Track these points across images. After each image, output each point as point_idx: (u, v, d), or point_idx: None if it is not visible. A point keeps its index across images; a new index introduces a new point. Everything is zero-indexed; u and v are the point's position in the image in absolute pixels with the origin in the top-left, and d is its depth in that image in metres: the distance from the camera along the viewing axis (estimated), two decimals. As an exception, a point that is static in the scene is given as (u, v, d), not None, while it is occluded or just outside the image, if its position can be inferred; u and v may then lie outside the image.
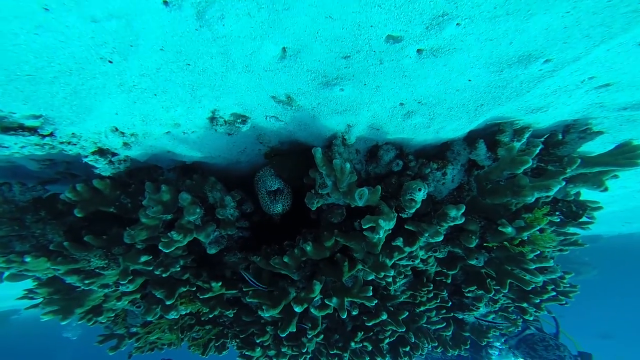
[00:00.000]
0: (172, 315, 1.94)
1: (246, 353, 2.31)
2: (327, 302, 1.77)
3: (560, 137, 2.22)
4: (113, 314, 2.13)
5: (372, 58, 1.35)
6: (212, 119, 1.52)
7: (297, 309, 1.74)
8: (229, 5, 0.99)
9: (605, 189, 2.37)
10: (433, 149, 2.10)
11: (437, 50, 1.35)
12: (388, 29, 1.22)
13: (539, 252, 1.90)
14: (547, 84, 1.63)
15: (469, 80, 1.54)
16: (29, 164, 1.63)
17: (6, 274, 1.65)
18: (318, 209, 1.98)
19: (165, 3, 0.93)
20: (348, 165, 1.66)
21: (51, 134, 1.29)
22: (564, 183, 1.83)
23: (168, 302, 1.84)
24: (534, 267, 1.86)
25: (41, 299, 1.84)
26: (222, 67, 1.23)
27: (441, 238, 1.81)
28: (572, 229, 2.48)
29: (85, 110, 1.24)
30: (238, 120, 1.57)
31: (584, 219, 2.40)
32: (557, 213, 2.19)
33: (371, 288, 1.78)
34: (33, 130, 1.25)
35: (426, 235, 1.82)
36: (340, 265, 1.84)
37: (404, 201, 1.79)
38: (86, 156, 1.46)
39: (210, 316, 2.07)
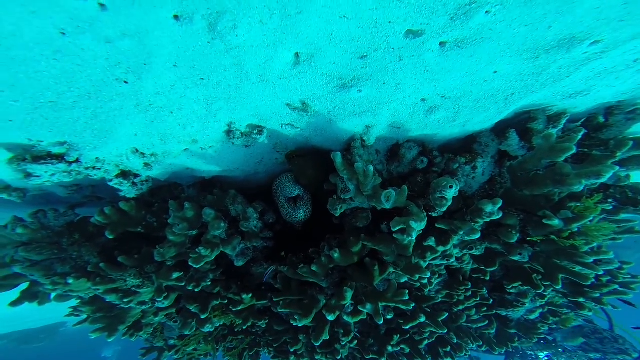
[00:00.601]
0: (208, 328, 1.93)
1: (281, 362, 2.26)
2: (360, 309, 1.67)
3: (602, 120, 2.00)
4: (152, 329, 2.15)
5: (391, 55, 1.25)
6: (229, 132, 1.48)
7: (330, 317, 1.66)
8: (240, 15, 0.93)
9: None
10: (458, 142, 1.96)
11: (463, 42, 1.23)
12: (408, 24, 1.12)
13: (595, 244, 1.69)
14: (591, 66, 1.47)
15: (496, 72, 1.40)
16: (59, 191, 1.67)
17: (53, 295, 1.70)
18: (341, 214, 1.89)
19: (176, 18, 0.89)
20: (371, 167, 1.56)
21: (77, 160, 1.30)
22: (617, 168, 1.62)
23: (203, 316, 1.82)
24: (591, 260, 1.65)
25: (85, 316, 1.88)
26: (236, 79, 1.18)
27: (478, 235, 1.67)
28: (624, 215, 2.21)
29: (106, 134, 1.23)
30: (254, 131, 1.52)
31: None
32: (609, 200, 1.96)
33: (407, 291, 1.66)
34: (60, 158, 1.26)
35: (460, 233, 1.69)
36: (371, 270, 1.74)
37: (434, 200, 1.66)
38: (110, 180, 1.47)
39: (244, 327, 2.03)
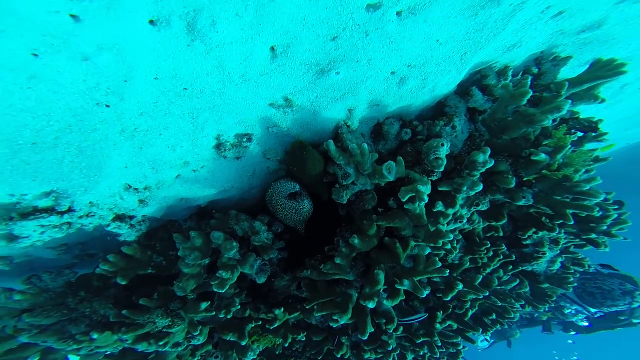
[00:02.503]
0: (250, 356, 1.70)
1: (329, 375, 2.00)
2: (397, 287, 1.52)
3: (536, 69, 2.18)
4: None
5: (358, 32, 1.24)
6: (219, 145, 1.37)
7: (370, 305, 1.49)
8: (217, 9, 0.88)
9: (602, 100, 2.26)
10: (430, 111, 1.98)
11: (415, 8, 1.26)
12: None
13: (583, 170, 1.69)
14: (517, 18, 1.57)
15: (448, 33, 1.43)
16: (46, 253, 1.46)
17: (81, 353, 1.42)
18: (346, 203, 1.78)
19: (152, 22, 0.81)
20: (365, 145, 1.51)
21: (69, 210, 1.13)
22: (570, 101, 1.69)
23: (243, 343, 1.60)
24: (588, 187, 1.64)
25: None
26: (219, 83, 1.11)
27: (481, 187, 1.63)
28: (589, 145, 2.29)
29: (95, 171, 1.08)
30: (244, 140, 1.43)
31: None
32: (573, 131, 2.02)
33: (437, 259, 1.55)
34: (50, 210, 1.08)
35: (464, 189, 1.64)
36: (393, 248, 1.63)
37: (430, 162, 1.62)
38: (108, 225, 1.30)
39: (286, 345, 1.80)
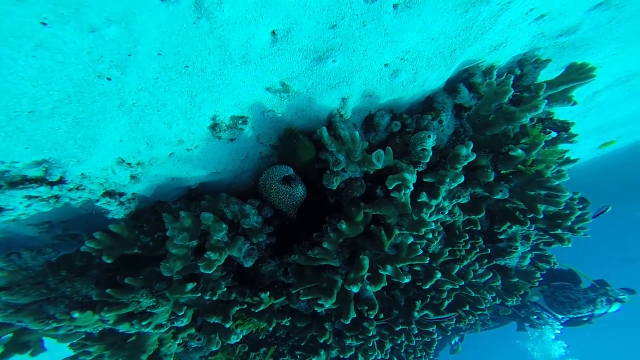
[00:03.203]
0: (233, 339, 1.79)
1: (313, 359, 2.13)
2: (381, 272, 1.66)
3: (518, 71, 2.39)
4: (173, 357, 1.92)
5: (356, 22, 1.34)
6: (214, 126, 1.44)
7: (354, 289, 1.62)
8: (223, -13, 0.93)
9: (575, 103, 2.52)
10: (420, 105, 2.12)
11: (410, 1, 1.37)
12: None
13: (554, 166, 1.90)
14: (503, 18, 1.72)
15: (439, 29, 1.57)
16: (27, 231, 1.46)
17: (60, 332, 1.44)
18: (336, 191, 1.90)
19: (161, -2, 0.86)
20: (357, 133, 1.62)
21: (60, 180, 1.15)
22: (546, 101, 1.90)
23: (227, 325, 1.68)
24: (556, 183, 1.86)
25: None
26: (220, 63, 1.17)
27: (462, 179, 1.79)
28: (562, 146, 2.55)
29: (90, 142, 1.12)
30: (239, 122, 1.50)
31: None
32: (547, 130, 2.25)
33: (419, 247, 1.70)
34: (40, 181, 1.11)
35: (447, 180, 1.79)
36: (378, 235, 1.76)
37: (416, 154, 1.76)
38: (97, 200, 1.32)
39: (270, 329, 1.90)
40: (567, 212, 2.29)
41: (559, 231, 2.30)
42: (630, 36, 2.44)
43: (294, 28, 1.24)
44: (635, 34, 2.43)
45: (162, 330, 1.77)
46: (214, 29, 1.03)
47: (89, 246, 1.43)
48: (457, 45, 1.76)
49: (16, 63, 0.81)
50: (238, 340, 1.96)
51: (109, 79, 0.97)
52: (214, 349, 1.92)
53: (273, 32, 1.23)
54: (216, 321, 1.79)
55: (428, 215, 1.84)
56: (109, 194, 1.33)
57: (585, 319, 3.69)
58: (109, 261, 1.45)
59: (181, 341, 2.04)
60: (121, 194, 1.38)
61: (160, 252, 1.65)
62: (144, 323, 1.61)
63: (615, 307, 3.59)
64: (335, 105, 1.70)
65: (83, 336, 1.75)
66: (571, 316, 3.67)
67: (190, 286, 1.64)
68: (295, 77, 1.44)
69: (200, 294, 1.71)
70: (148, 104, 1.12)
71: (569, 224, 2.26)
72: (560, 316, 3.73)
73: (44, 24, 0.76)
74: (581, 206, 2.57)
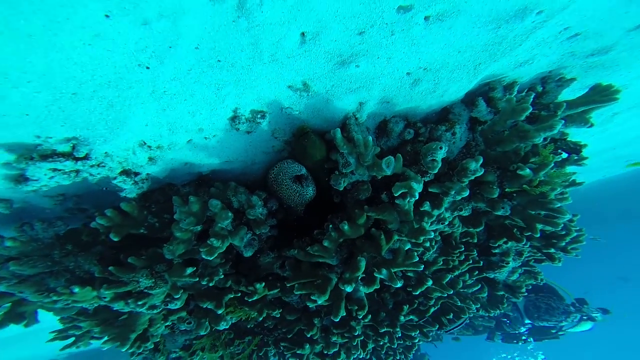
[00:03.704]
0: (223, 325, 1.97)
1: (297, 352, 2.35)
2: (376, 275, 1.86)
3: (540, 88, 2.53)
4: (159, 338, 2.12)
5: (385, 30, 1.47)
6: (234, 118, 1.58)
7: (348, 289, 1.82)
8: (268, -9, 1.06)
9: (591, 125, 2.69)
10: (435, 115, 2.27)
11: (443, 15, 1.50)
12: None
13: (559, 189, 2.09)
14: (535, 35, 1.84)
15: (468, 43, 1.70)
16: (43, 202, 1.61)
17: (57, 306, 1.62)
18: (342, 191, 2.07)
19: (210, -4, 0.98)
20: (370, 138, 1.78)
21: (85, 157, 1.30)
22: (563, 122, 2.07)
23: (219, 312, 1.87)
24: (558, 205, 2.05)
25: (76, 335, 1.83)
26: (250, 60, 1.31)
27: (467, 193, 1.97)
28: (570, 169, 2.75)
29: (119, 124, 1.26)
30: (258, 116, 1.64)
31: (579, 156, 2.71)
32: (559, 151, 2.44)
33: (416, 254, 1.90)
34: (67, 155, 1.25)
35: (452, 192, 1.97)
36: (378, 239, 1.95)
37: (426, 163, 1.93)
38: (114, 178, 1.47)
39: (260, 319, 2.10)
40: (564, 232, 2.51)
41: (552, 250, 2.53)
42: None
43: (323, 32, 1.37)
44: None
45: (154, 311, 1.94)
46: (251, 28, 1.17)
47: (100, 222, 1.58)
48: (482, 59, 1.90)
49: (74, 50, 0.95)
50: (227, 327, 2.16)
51: (147, 67, 1.10)
52: (202, 333, 2.11)
53: (302, 34, 1.36)
54: (209, 307, 1.96)
55: (429, 224, 2.02)
56: (126, 172, 1.47)
57: (553, 330, 4.03)
58: (116, 239, 1.61)
59: (170, 323, 2.24)
60: (136, 174, 1.53)
61: (165, 234, 1.81)
62: (139, 303, 1.78)
63: (587, 325, 3.92)
64: (352, 109, 1.85)
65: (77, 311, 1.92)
66: (537, 323, 3.97)
67: (189, 270, 1.81)
68: (317, 77, 1.58)
69: (197, 279, 1.89)
70: (177, 92, 1.26)
71: (563, 244, 2.48)
72: (527, 320, 4.04)
73: (107, 16, 0.89)
74: (578, 228, 2.81)
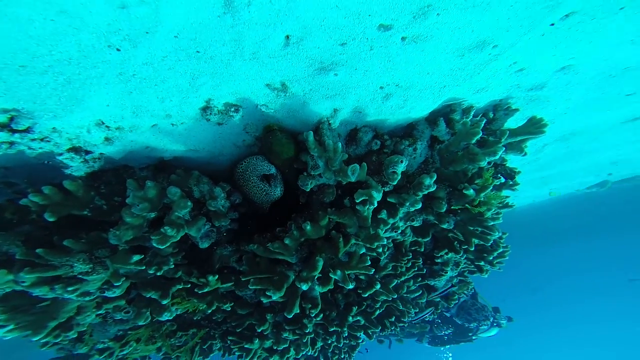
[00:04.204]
0: (166, 316, 1.91)
1: (245, 346, 2.36)
2: (331, 275, 1.94)
3: (491, 115, 2.81)
4: (85, 327, 1.97)
5: (365, 45, 1.52)
6: (205, 109, 1.52)
7: (304, 287, 1.87)
8: (257, -8, 1.04)
9: (525, 154, 3.05)
10: (401, 129, 2.41)
11: (418, 37, 1.59)
12: (382, 18, 1.41)
13: (494, 209, 2.35)
14: (491, 66, 2.05)
15: (436, 66, 1.83)
16: None
17: None
18: (308, 192, 2.11)
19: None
20: (340, 144, 1.84)
21: (27, 130, 1.15)
22: (504, 149, 2.33)
23: (164, 302, 1.80)
24: (491, 224, 2.31)
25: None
26: (230, 55, 1.27)
27: (420, 205, 2.13)
28: (505, 192, 3.09)
29: (74, 102, 1.14)
30: (231, 110, 1.60)
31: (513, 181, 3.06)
32: (498, 175, 2.73)
33: (368, 258, 2.01)
34: (3, 126, 1.10)
35: (407, 204, 2.12)
36: (336, 242, 2.02)
37: (387, 174, 2.04)
38: (60, 154, 1.34)
39: (209, 312, 2.07)
40: (491, 248, 2.86)
41: (482, 263, 2.85)
42: (578, 99, 3.02)
43: (307, 38, 1.38)
44: (582, 98, 3.03)
45: (86, 299, 1.79)
46: (235, 25, 1.13)
47: (33, 200, 1.42)
48: (447, 82, 2.05)
49: (31, 24, 0.83)
50: (170, 318, 2.09)
51: (118, 49, 1.02)
52: (141, 323, 2.01)
53: (287, 37, 1.35)
54: (153, 296, 1.86)
55: (383, 231, 2.15)
56: (75, 149, 1.34)
57: (470, 333, 4.60)
58: (51, 219, 1.46)
59: (104, 312, 2.08)
60: (88, 152, 1.40)
61: (112, 217, 1.69)
62: (69, 289, 1.61)
63: (494, 331, 4.53)
64: (327, 114, 1.88)
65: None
66: (466, 324, 4.50)
67: (136, 257, 1.68)
68: (297, 80, 1.58)
69: (144, 267, 1.79)
70: (148, 77, 1.18)
71: (491, 258, 2.81)
72: (458, 321, 4.55)
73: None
74: (505, 245, 3.20)
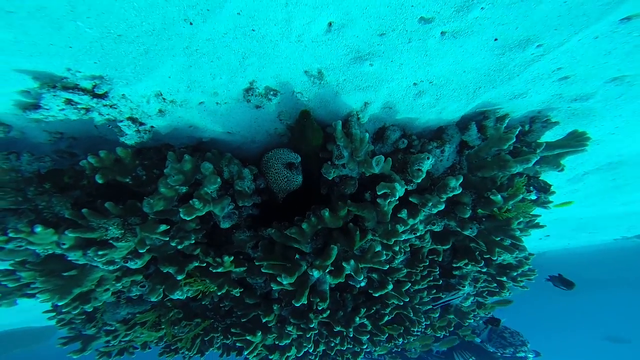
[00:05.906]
0: (177, 295, 2.19)
1: (247, 338, 2.61)
2: (344, 265, 2.20)
3: (527, 127, 3.04)
4: (100, 304, 2.27)
5: (403, 36, 1.81)
6: (248, 90, 1.86)
7: (315, 274, 2.14)
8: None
9: (562, 169, 3.27)
10: (430, 133, 2.69)
11: (458, 33, 1.81)
12: (425, 10, 1.65)
13: (522, 219, 2.58)
14: (532, 68, 2.18)
15: (474, 64, 2.07)
16: (40, 136, 1.76)
17: (8, 247, 1.74)
18: (330, 183, 2.41)
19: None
20: (367, 134, 2.14)
21: (104, 95, 1.50)
22: (539, 156, 2.56)
23: (179, 277, 2.08)
24: (518, 234, 2.54)
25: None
26: (280, 35, 1.61)
27: (442, 207, 2.38)
28: (536, 211, 3.31)
29: (146, 71, 1.48)
30: (270, 93, 1.94)
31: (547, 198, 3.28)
32: (531, 188, 2.97)
33: (384, 252, 2.27)
34: (87, 91, 1.45)
35: (429, 205, 2.38)
36: (353, 234, 2.30)
37: (412, 171, 2.32)
38: (121, 120, 1.68)
39: (219, 294, 2.34)
40: (517, 264, 3.06)
41: (504, 279, 3.06)
42: (630, 116, 3.01)
43: (348, 25, 1.69)
44: (635, 115, 2.99)
45: (110, 268, 2.11)
46: (288, 3, 1.46)
47: (90, 161, 1.77)
48: (483, 83, 2.29)
49: None
50: (181, 297, 2.37)
51: (191, 23, 1.36)
52: (153, 299, 2.31)
53: (330, 23, 1.68)
54: (170, 271, 2.17)
55: (401, 230, 2.41)
56: (133, 119, 1.70)
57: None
58: (100, 181, 1.80)
59: (121, 286, 2.40)
60: (142, 124, 1.76)
61: (149, 188, 2.02)
62: (100, 253, 1.95)
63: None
64: (357, 107, 2.20)
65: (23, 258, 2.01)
66: (501, 351, 4.69)
67: (162, 227, 2.02)
68: (333, 68, 1.90)
69: (167, 239, 2.10)
70: (207, 53, 1.52)
71: (515, 274, 3.02)
72: (491, 349, 4.74)
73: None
74: (531, 266, 3.40)
